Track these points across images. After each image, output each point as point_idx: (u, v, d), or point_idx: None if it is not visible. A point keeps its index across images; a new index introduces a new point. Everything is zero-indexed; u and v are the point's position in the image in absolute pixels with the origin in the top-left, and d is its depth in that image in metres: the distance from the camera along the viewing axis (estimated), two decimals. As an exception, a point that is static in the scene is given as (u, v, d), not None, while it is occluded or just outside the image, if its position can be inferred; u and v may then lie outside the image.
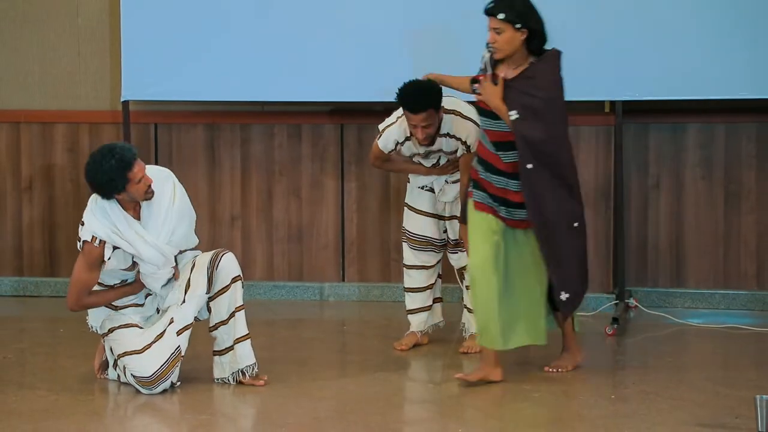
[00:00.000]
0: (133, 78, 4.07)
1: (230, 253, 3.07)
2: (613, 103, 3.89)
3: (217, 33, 4.15)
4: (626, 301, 3.99)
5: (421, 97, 3.18)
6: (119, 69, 4.16)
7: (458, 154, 3.53)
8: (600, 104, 4.06)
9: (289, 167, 4.41)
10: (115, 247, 2.86)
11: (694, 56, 3.89)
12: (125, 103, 4.09)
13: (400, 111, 3.36)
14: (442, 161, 3.57)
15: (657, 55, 3.88)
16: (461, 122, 3.34)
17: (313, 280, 4.42)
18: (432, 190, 3.56)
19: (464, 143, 3.40)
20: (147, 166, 2.97)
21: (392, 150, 3.52)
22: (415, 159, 3.62)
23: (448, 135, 3.31)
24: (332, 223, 4.44)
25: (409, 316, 3.59)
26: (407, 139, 3.41)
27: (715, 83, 3.85)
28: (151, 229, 2.96)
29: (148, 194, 2.88)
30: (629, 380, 3.43)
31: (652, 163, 4.17)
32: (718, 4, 3.96)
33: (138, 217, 2.94)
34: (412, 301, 3.56)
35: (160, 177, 3.02)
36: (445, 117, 3.30)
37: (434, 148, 3.44)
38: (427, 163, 3.58)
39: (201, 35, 4.11)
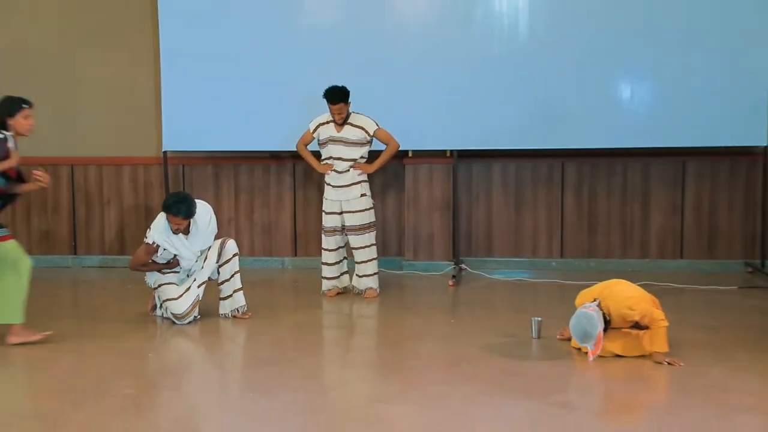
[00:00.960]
0: (169, 135, 5.19)
1: (232, 239, 3.95)
2: (452, 150, 5.13)
3: (222, 108, 5.15)
4: (460, 265, 5.16)
5: (339, 94, 4.19)
6: (161, 129, 5.27)
7: (358, 140, 4.25)
8: (443, 151, 5.26)
9: (263, 189, 5.57)
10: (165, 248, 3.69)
11: (494, 117, 5.00)
12: (165, 153, 5.23)
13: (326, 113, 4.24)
14: (342, 152, 4.28)
15: (477, 120, 5.01)
16: (360, 117, 4.34)
17: (278, 255, 5.58)
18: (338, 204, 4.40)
19: (364, 129, 4.31)
20: (196, 200, 3.71)
21: (315, 129, 4.36)
22: (327, 147, 4.33)
23: (351, 124, 4.31)
24: (289, 221, 5.53)
25: (324, 281, 4.53)
26: (326, 123, 4.32)
27: (507, 137, 5.05)
28: (194, 241, 3.76)
29: (177, 232, 3.66)
30: (460, 311, 4.56)
31: (474, 187, 5.43)
32: (516, 93, 4.94)
33: (188, 232, 3.70)
34: (328, 270, 4.55)
35: (203, 210, 3.79)
36: (351, 115, 4.31)
37: (341, 134, 4.30)
38: (334, 151, 4.29)
39: (212, 110, 5.15)
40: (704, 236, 5.39)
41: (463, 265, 5.23)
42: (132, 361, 3.50)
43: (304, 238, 5.54)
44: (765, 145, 4.97)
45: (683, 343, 3.57)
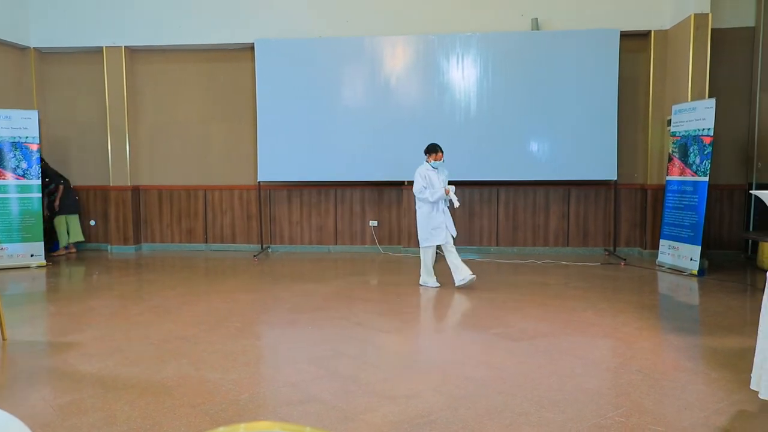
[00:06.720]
0: (261, 171, 7.19)
1: None
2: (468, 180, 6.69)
3: (291, 156, 7.02)
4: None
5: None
6: (257, 167, 7.10)
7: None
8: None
9: (317, 204, 7.38)
10: None
11: (457, 161, 6.81)
12: (259, 182, 7.26)
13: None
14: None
15: (447, 161, 6.37)
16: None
17: (325, 244, 7.58)
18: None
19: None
20: None
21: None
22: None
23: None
24: (332, 223, 7.47)
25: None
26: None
27: (465, 172, 6.92)
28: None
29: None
30: (437, 277, 5.50)
31: (475, 204, 6.70)
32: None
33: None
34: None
35: None
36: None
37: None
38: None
39: (285, 157, 7.02)
40: (580, 233, 7.46)
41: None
42: (239, 306, 4.26)
43: (341, 233, 7.71)
44: (614, 179, 7.36)
45: (568, 296, 4.54)
